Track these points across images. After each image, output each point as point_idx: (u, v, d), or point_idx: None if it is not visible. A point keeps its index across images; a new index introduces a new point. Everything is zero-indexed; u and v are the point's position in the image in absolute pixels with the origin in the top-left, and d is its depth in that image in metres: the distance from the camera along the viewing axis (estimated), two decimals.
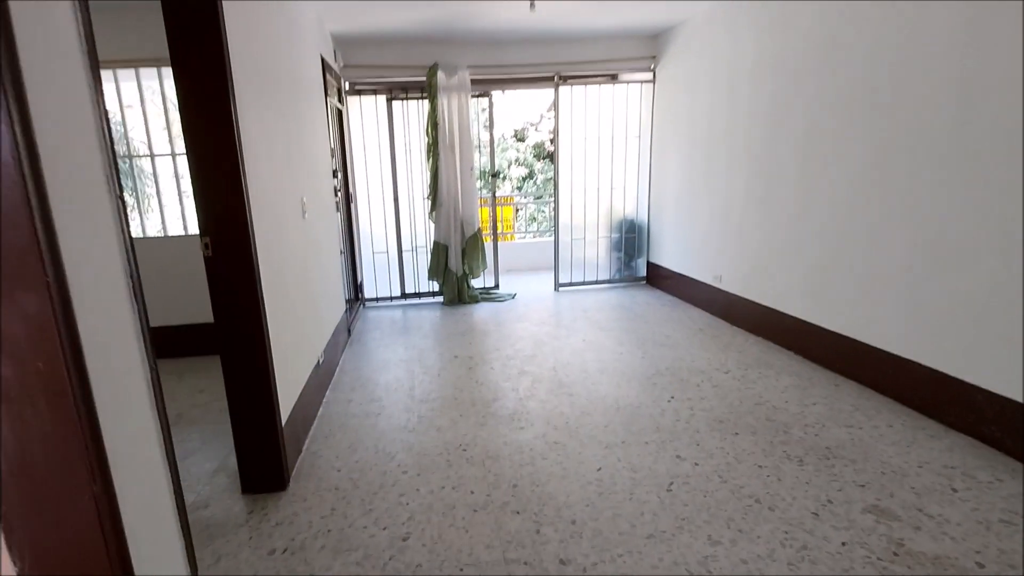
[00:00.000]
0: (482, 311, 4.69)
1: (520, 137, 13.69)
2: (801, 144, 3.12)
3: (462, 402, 2.84)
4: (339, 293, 3.82)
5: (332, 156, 3.79)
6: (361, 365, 3.47)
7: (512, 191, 13.26)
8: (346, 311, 4.01)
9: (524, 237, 7.79)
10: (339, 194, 3.89)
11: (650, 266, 5.29)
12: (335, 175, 3.80)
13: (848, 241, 2.83)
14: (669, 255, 4.89)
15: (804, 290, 3.19)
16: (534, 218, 9.72)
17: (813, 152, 3.04)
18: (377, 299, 5.03)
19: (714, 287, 4.14)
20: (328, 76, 3.88)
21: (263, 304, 1.98)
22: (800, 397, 2.71)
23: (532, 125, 13.52)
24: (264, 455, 2.08)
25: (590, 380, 3.05)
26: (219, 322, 1.93)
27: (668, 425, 2.48)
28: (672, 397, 2.79)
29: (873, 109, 2.62)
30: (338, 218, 3.85)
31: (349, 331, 4.09)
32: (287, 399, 2.23)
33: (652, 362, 3.28)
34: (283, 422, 2.13)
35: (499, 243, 6.41)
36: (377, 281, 5.00)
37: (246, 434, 2.05)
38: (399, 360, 3.52)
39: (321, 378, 2.96)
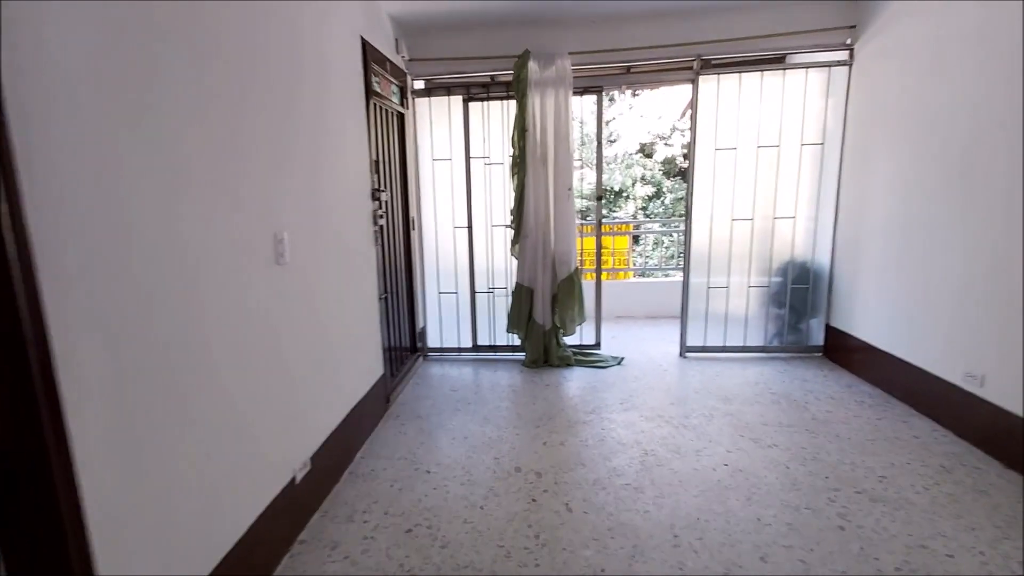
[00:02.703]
0: (573, 382, 3.41)
1: (648, 152, 12.15)
2: None
3: None
4: (371, 355, 2.82)
5: (373, 173, 2.83)
6: (379, 469, 2.39)
7: (635, 214, 11.74)
8: (385, 375, 3.00)
9: (649, 274, 6.33)
10: (382, 221, 2.93)
11: (831, 332, 3.58)
12: (376, 197, 2.84)
13: None
14: (869, 321, 3.17)
15: None
16: (658, 242, 8.14)
17: None
18: (442, 350, 4.00)
19: (966, 391, 2.41)
20: (379, 69, 2.95)
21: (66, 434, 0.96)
22: None
23: (662, 139, 11.93)
24: None
25: (742, 569, 1.63)
26: None
27: None
28: None
29: None
30: (375, 253, 2.88)
31: (388, 400, 3.07)
32: None
33: (863, 546, 1.74)
34: None
35: (604, 282, 5.08)
36: (443, 328, 3.98)
37: None
38: (436, 464, 2.39)
39: (299, 501, 1.93)
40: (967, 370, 2.40)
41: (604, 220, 12.23)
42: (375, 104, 2.97)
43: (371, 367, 2.83)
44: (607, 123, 12.69)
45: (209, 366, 1.44)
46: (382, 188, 2.99)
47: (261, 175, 1.71)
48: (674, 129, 11.71)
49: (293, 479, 1.89)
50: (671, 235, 8.78)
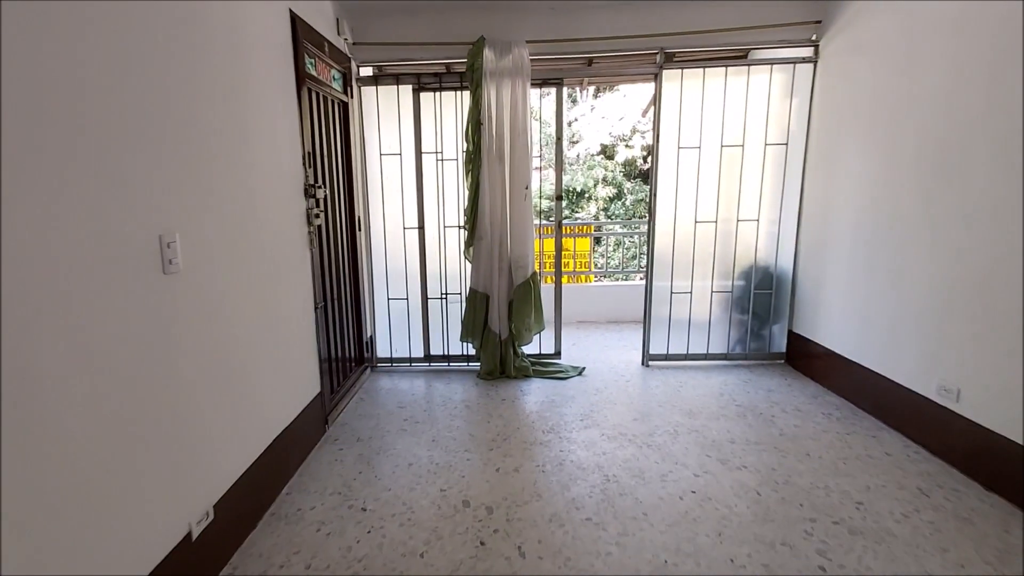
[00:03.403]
0: (531, 395, 3.17)
1: (609, 154, 12.10)
2: None
3: None
4: (303, 372, 2.49)
5: (307, 166, 2.50)
6: (307, 508, 2.07)
7: (596, 215, 11.66)
8: (323, 393, 2.68)
9: (612, 276, 6.16)
10: (318, 221, 2.60)
11: (794, 338, 3.48)
12: (311, 193, 2.51)
13: None
14: (834, 328, 3.07)
15: None
16: (619, 243, 8.06)
17: None
18: (392, 361, 3.69)
19: (940, 405, 2.31)
20: (315, 50, 2.62)
21: None
22: None
23: (623, 140, 11.89)
24: None
25: None
26: None
27: None
28: None
29: None
30: (310, 256, 2.55)
31: (326, 421, 2.74)
32: None
33: None
34: None
35: (565, 286, 4.87)
36: (394, 337, 3.66)
37: None
38: (374, 499, 2.09)
39: (197, 561, 1.60)
40: (941, 383, 2.29)
41: (565, 221, 12.10)
42: (311, 90, 2.64)
43: (304, 386, 2.50)
44: (569, 124, 12.58)
45: (48, 409, 1.12)
46: (319, 184, 2.66)
47: (144, 168, 1.38)
48: (635, 131, 11.70)
49: (188, 535, 1.56)
50: (632, 236, 8.71)
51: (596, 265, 7.93)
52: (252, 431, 1.99)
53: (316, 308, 2.62)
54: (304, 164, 2.48)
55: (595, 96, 12.45)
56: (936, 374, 2.33)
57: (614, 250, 9.05)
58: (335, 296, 3.00)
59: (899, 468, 2.25)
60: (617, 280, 6.00)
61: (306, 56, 2.56)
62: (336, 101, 3.06)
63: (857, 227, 2.84)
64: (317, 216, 2.59)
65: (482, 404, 3.05)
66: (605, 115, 12.00)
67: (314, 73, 2.67)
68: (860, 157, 2.83)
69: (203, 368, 1.67)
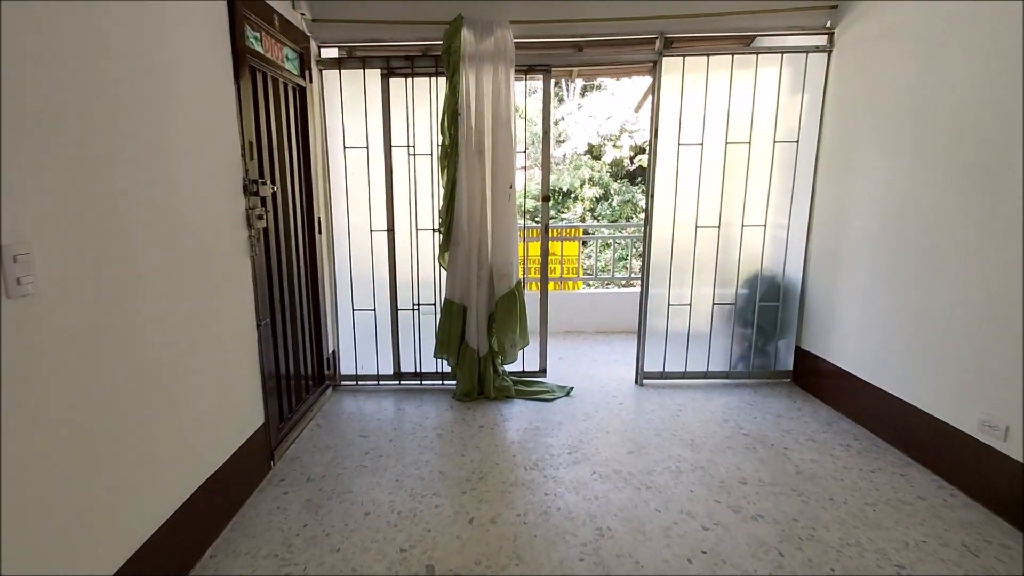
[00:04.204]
0: (513, 421, 2.81)
1: (596, 154, 11.80)
2: None
3: None
4: (239, 404, 2.10)
5: (249, 159, 2.11)
6: (234, 571, 1.69)
7: (583, 216, 11.34)
8: (267, 425, 2.29)
9: (599, 284, 5.83)
10: (262, 223, 2.20)
11: (802, 355, 3.17)
12: (252, 191, 2.12)
13: None
14: (850, 347, 2.76)
15: None
16: (607, 244, 7.73)
17: None
18: (358, 379, 3.30)
19: (982, 443, 2.00)
20: (260, 23, 2.23)
21: None
22: None
23: (610, 140, 11.59)
24: None
25: None
26: None
27: None
28: None
29: None
30: (250, 265, 2.16)
31: (272, 457, 2.35)
32: None
33: None
34: None
35: (552, 293, 4.52)
36: (359, 352, 3.27)
37: None
38: (317, 564, 1.71)
39: None
40: (984, 418, 1.98)
41: (552, 223, 11.80)
42: (255, 69, 2.25)
43: (241, 419, 2.11)
44: (556, 123, 12.24)
45: None
46: (264, 180, 2.27)
47: None
48: (623, 130, 11.40)
49: None
50: (620, 239, 8.40)
51: (585, 269, 7.60)
52: (166, 480, 1.60)
53: (260, 325, 2.22)
54: (244, 156, 2.09)
55: (582, 95, 12.15)
56: (977, 406, 2.02)
57: (602, 251, 8.74)
58: (288, 308, 2.60)
59: (937, 517, 1.94)
60: (608, 287, 5.66)
61: (248, 28, 2.17)
62: (291, 85, 2.67)
63: (879, 235, 2.54)
64: (261, 217, 2.19)
65: (457, 432, 2.68)
66: (592, 114, 11.69)
67: (259, 50, 2.28)
68: (881, 157, 2.52)
69: (89, 412, 1.27)
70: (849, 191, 2.75)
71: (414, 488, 2.17)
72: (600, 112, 11.65)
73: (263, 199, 2.31)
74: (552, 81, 3.00)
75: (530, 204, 7.20)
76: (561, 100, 12.43)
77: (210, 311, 1.86)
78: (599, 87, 12.01)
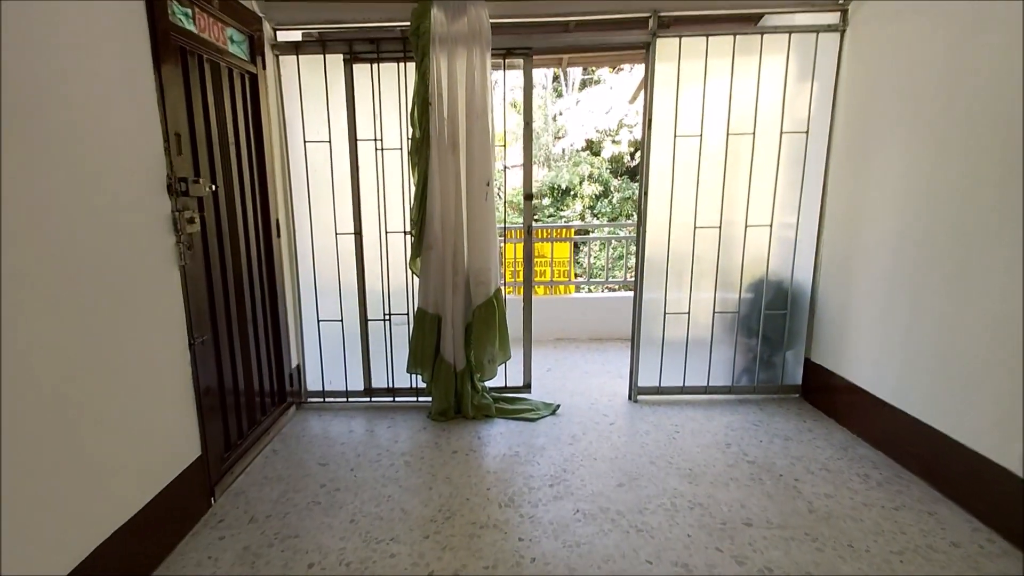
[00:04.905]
0: (490, 446, 2.53)
1: (595, 150, 11.48)
2: None
3: None
4: (167, 436, 1.82)
5: (176, 153, 1.82)
6: None
7: (582, 214, 11.04)
8: (204, 458, 2.01)
9: (592, 288, 5.53)
10: (193, 227, 1.91)
11: (812, 369, 2.88)
12: (180, 191, 1.83)
13: None
14: (865, 361, 2.47)
15: None
16: (605, 244, 7.38)
17: None
18: (325, 395, 3.02)
19: None
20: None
21: None
22: None
23: (609, 135, 11.27)
24: None
25: None
26: None
27: None
28: None
29: None
30: (180, 276, 1.87)
31: (213, 493, 2.07)
32: None
33: None
34: None
35: (542, 298, 4.23)
36: (327, 366, 2.99)
37: None
38: None
39: None
40: None
41: (549, 222, 11.48)
42: (187, 51, 1.96)
43: (168, 454, 1.83)
44: (554, 118, 11.92)
45: None
46: (198, 178, 1.98)
47: None
48: (622, 124, 11.08)
49: None
50: (617, 240, 8.10)
51: (579, 270, 7.32)
52: (61, 533, 1.32)
53: (194, 343, 1.94)
54: (168, 151, 1.80)
55: (580, 89, 11.84)
56: (1020, 439, 1.73)
57: (602, 249, 8.39)
58: (237, 321, 2.32)
59: (973, 568, 1.65)
60: (603, 291, 5.37)
61: (175, 3, 1.88)
62: (239, 72, 2.38)
63: (900, 235, 2.24)
64: (192, 221, 1.91)
65: (427, 459, 2.40)
66: (592, 108, 11.36)
67: (191, 29, 1.99)
68: (903, 147, 2.22)
69: None
70: (865, 186, 2.46)
71: (370, 531, 1.89)
72: (599, 106, 11.32)
73: (200, 199, 2.03)
74: (532, 67, 2.70)
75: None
76: (560, 95, 12.11)
77: (123, 331, 1.58)
78: (597, 81, 11.70)
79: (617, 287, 5.21)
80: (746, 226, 2.82)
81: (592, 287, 5.70)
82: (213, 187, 2.10)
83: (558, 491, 2.12)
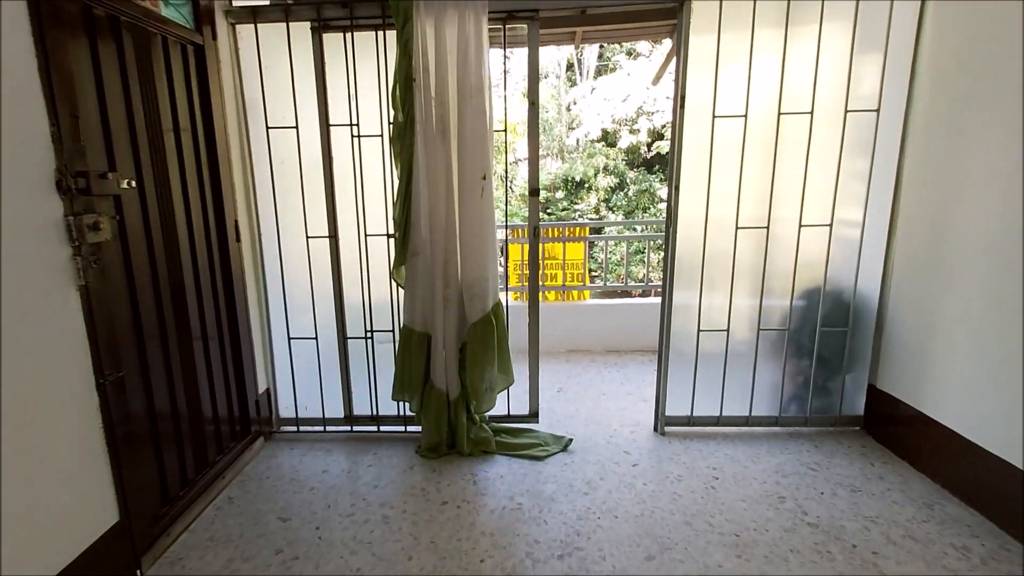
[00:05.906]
0: (489, 493, 2.09)
1: (611, 141, 10.91)
2: None
3: None
4: (71, 501, 1.41)
5: (68, 141, 1.40)
6: None
7: (597, 207, 10.50)
8: (125, 524, 1.60)
9: (608, 293, 5.04)
10: (103, 235, 1.50)
11: (877, 397, 2.38)
12: (77, 190, 1.42)
13: None
14: (954, 395, 1.97)
15: None
16: (619, 241, 6.84)
17: None
18: (300, 423, 2.60)
19: None
20: None
21: None
22: None
23: (626, 125, 10.69)
24: None
25: None
26: None
27: None
28: None
29: None
30: (79, 298, 1.46)
31: (139, 568, 1.67)
32: None
33: None
34: None
35: (552, 304, 3.76)
36: (300, 391, 2.58)
37: None
38: None
39: None
40: None
41: (562, 219, 10.97)
42: (92, 14, 1.53)
43: (70, 524, 1.42)
44: (568, 108, 11.36)
45: None
46: (108, 172, 1.56)
47: None
48: (640, 112, 10.48)
49: None
50: (635, 231, 7.58)
51: (594, 265, 6.82)
52: None
53: (104, 382, 1.53)
54: (57, 139, 1.38)
55: (596, 76, 11.27)
56: None
57: (618, 244, 7.87)
58: (175, 346, 1.91)
59: None
60: (621, 297, 4.88)
61: None
62: (178, 41, 1.95)
63: (1002, 240, 1.74)
64: (97, 227, 1.49)
65: (411, 512, 1.97)
66: (608, 96, 10.78)
67: None
68: (1006, 130, 1.71)
69: None
70: (954, 178, 1.95)
71: None
72: (616, 94, 10.73)
73: (117, 199, 1.61)
74: (539, 34, 2.22)
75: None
76: (574, 83, 11.55)
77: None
78: (614, 68, 11.11)
79: (638, 292, 4.71)
80: (800, 225, 2.32)
81: (609, 291, 5.21)
82: (132, 183, 1.67)
83: (569, 565, 1.68)
